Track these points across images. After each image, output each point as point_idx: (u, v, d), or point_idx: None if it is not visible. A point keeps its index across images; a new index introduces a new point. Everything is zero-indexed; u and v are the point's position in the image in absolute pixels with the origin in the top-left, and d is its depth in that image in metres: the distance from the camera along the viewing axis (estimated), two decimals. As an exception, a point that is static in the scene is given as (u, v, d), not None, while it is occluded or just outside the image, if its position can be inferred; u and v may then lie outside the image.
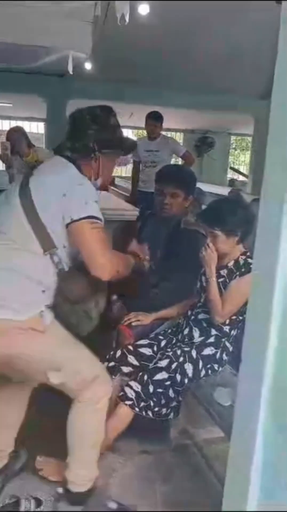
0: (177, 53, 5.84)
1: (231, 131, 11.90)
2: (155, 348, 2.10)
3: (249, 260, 1.99)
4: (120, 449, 2.04)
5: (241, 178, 12.27)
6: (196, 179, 2.62)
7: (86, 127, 1.64)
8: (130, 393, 1.89)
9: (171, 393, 1.92)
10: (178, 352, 1.99)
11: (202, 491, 1.88)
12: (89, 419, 1.65)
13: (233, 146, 16.34)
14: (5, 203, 1.60)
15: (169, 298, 2.26)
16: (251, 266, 1.96)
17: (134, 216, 3.31)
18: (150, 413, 1.89)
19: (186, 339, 2.09)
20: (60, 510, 1.72)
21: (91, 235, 1.51)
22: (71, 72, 4.31)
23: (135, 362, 2.05)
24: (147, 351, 2.08)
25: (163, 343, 2.11)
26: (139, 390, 1.90)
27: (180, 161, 5.69)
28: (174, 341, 2.13)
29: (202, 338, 2.06)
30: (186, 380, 1.95)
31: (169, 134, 7.49)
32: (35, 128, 10.76)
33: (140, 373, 1.95)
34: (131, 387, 1.90)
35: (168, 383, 1.92)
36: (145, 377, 1.92)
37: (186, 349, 2.01)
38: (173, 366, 1.93)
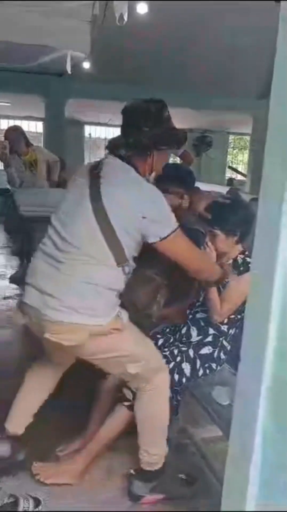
0: (175, 53, 5.84)
1: (229, 130, 11.90)
2: None
3: (248, 259, 1.99)
4: (119, 448, 2.04)
5: (239, 177, 12.28)
6: (195, 178, 2.62)
7: (141, 124, 1.62)
8: (128, 393, 1.89)
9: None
10: (175, 351, 1.99)
11: (201, 491, 1.88)
12: (157, 403, 1.79)
13: (232, 145, 16.33)
14: (77, 215, 1.61)
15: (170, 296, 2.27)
16: (249, 265, 1.96)
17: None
18: None
19: (184, 338, 2.09)
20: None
21: (184, 246, 1.64)
22: (69, 72, 4.30)
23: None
24: None
25: (160, 342, 2.11)
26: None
27: (178, 160, 5.68)
28: (171, 340, 2.13)
29: (200, 337, 2.06)
30: (183, 380, 1.95)
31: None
32: (34, 127, 10.75)
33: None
34: (129, 388, 1.90)
35: None
36: None
37: (183, 348, 2.01)
38: (171, 365, 1.93)
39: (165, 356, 1.97)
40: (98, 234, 1.55)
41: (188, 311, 2.15)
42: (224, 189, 6.99)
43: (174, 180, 2.41)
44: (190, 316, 2.12)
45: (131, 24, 2.97)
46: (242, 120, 9.28)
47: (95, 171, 1.64)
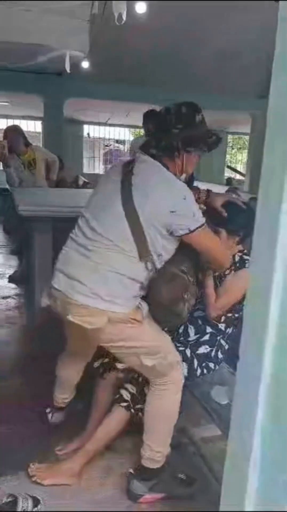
0: (174, 52, 5.83)
1: (228, 130, 11.91)
2: None
3: (245, 257, 2.01)
4: (118, 448, 2.04)
5: (238, 177, 12.28)
6: (194, 178, 2.62)
7: (171, 126, 1.68)
8: (125, 395, 1.90)
9: None
10: None
11: (200, 490, 1.88)
12: (168, 400, 1.81)
13: (230, 145, 16.35)
14: (107, 207, 1.69)
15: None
16: (246, 261, 1.97)
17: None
18: None
19: (181, 337, 2.09)
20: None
21: (209, 239, 1.74)
22: (68, 71, 4.30)
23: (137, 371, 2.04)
24: None
25: None
26: (134, 391, 1.91)
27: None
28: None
29: (197, 335, 2.06)
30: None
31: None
32: (32, 127, 10.74)
33: (135, 375, 1.95)
34: (126, 389, 1.91)
35: None
36: (140, 378, 1.92)
37: (180, 348, 2.01)
38: None
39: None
40: (126, 226, 1.62)
41: None
42: (223, 189, 7.00)
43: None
44: (188, 315, 2.12)
45: (130, 24, 2.97)
46: (241, 119, 9.29)
47: (128, 168, 1.72)
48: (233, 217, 1.96)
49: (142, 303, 1.72)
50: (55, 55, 4.79)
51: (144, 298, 1.74)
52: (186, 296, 1.75)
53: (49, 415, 2.21)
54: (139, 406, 1.89)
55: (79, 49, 4.47)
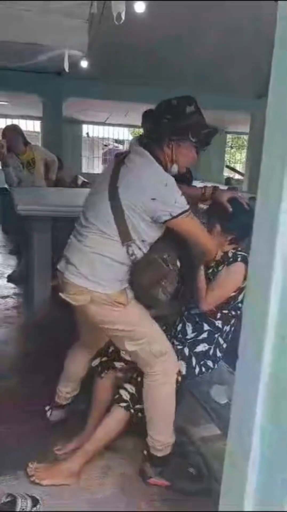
0: (173, 51, 5.82)
1: (227, 130, 11.91)
2: None
3: (238, 252, 2.01)
4: (117, 448, 2.04)
5: (237, 176, 12.28)
6: (193, 177, 2.62)
7: (161, 116, 1.76)
8: (125, 395, 1.90)
9: None
10: None
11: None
12: (159, 391, 1.85)
13: (229, 145, 16.35)
14: (95, 194, 1.83)
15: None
16: (239, 256, 1.98)
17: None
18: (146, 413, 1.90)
19: (179, 335, 2.09)
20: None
21: (193, 225, 1.78)
22: (67, 70, 4.29)
23: (128, 357, 2.04)
24: None
25: None
26: (134, 391, 1.90)
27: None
28: (167, 337, 2.12)
29: (195, 333, 2.06)
30: (179, 379, 1.94)
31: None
32: (31, 126, 10.74)
33: (134, 375, 1.96)
34: (125, 389, 1.91)
35: None
36: (139, 378, 1.92)
37: (179, 347, 2.01)
38: None
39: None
40: (109, 211, 1.71)
41: (183, 308, 2.14)
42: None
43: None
44: (185, 313, 2.12)
45: (129, 23, 2.97)
46: (240, 119, 9.29)
47: (121, 158, 1.80)
48: (233, 214, 1.95)
49: (128, 288, 1.79)
50: (54, 54, 4.79)
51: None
52: (164, 283, 1.79)
53: (48, 412, 2.22)
54: (138, 406, 1.89)
55: (78, 48, 4.47)
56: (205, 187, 2.07)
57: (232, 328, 2.05)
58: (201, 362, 2.01)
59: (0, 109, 9.71)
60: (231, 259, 2.00)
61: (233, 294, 1.98)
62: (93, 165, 14.49)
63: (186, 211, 1.70)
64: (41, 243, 3.49)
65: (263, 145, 0.88)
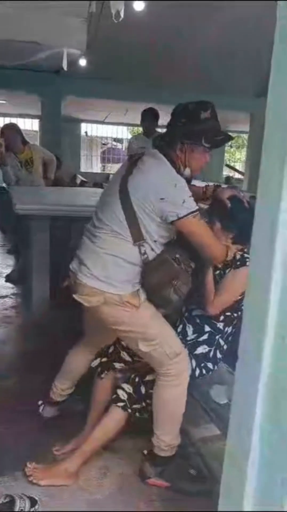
0: (172, 50, 5.82)
1: (227, 129, 11.90)
2: None
3: (246, 255, 1.99)
4: (116, 448, 2.04)
5: (237, 175, 12.29)
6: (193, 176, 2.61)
7: (176, 119, 1.80)
8: (122, 394, 1.89)
9: None
10: None
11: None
12: (171, 392, 1.84)
13: (229, 144, 16.35)
14: (108, 195, 1.84)
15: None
16: (247, 259, 1.96)
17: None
18: (144, 413, 1.90)
19: (180, 336, 2.07)
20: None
21: (199, 227, 1.77)
22: (65, 69, 4.29)
23: (128, 358, 2.04)
24: None
25: None
26: (131, 391, 1.90)
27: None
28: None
29: (195, 335, 2.05)
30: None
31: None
32: (30, 125, 10.72)
33: (132, 375, 1.95)
34: (123, 389, 1.90)
35: None
36: (137, 378, 1.92)
37: None
38: None
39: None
40: (121, 211, 1.73)
41: (184, 308, 2.13)
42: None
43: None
44: (186, 314, 2.11)
45: (128, 22, 2.96)
46: (239, 118, 9.28)
47: (135, 158, 1.83)
48: (233, 212, 1.95)
49: (141, 289, 1.79)
50: (53, 53, 4.79)
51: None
52: (175, 282, 1.78)
53: (41, 407, 2.24)
54: (136, 406, 1.88)
55: (77, 47, 4.46)
56: (206, 186, 2.07)
57: (233, 330, 2.04)
58: (201, 365, 1.99)
59: (-1, 108, 9.70)
60: (238, 263, 1.99)
61: (240, 297, 1.97)
62: (92, 164, 14.49)
63: (193, 212, 1.70)
64: (40, 242, 3.48)
65: (263, 145, 0.88)
